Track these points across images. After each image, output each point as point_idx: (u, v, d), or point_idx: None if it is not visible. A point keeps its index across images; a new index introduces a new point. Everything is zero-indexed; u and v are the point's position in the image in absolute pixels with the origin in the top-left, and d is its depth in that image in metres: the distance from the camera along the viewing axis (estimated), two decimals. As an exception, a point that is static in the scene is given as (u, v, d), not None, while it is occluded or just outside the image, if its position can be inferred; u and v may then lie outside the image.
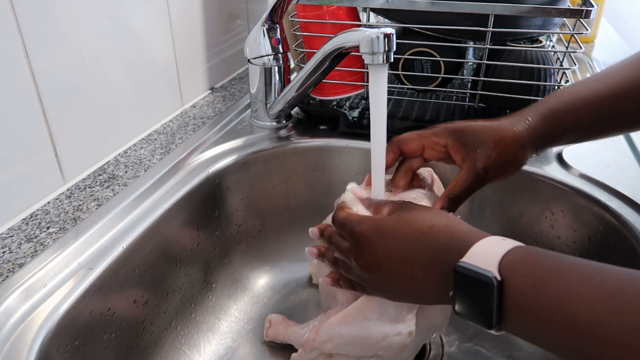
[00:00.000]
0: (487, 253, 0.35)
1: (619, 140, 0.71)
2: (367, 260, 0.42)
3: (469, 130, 0.48)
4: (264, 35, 0.70)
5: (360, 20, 0.74)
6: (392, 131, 0.74)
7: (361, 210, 0.48)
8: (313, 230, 0.51)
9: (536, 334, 0.33)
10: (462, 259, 0.36)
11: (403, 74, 0.72)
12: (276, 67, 0.72)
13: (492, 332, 0.35)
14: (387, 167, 0.51)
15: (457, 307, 0.36)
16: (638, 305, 0.29)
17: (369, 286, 0.45)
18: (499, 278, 0.33)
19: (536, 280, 0.32)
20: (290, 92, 0.69)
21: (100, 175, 0.63)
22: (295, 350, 0.55)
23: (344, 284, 0.48)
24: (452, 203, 0.46)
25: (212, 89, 0.90)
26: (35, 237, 0.52)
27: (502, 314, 0.34)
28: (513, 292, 0.33)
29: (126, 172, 0.64)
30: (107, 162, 0.66)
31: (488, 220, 0.71)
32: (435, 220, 0.40)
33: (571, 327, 0.30)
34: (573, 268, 0.32)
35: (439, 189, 0.56)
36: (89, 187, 0.61)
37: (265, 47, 0.71)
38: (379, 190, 0.49)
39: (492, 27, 0.63)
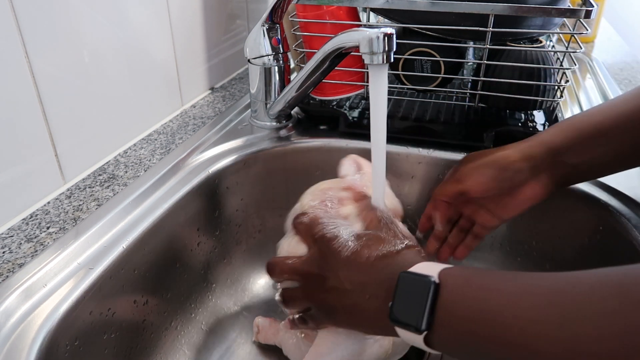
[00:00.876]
0: (430, 266, 0.38)
1: (619, 140, 0.71)
2: (325, 270, 0.43)
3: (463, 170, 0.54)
4: (264, 36, 0.70)
5: (360, 20, 0.74)
6: (392, 131, 0.74)
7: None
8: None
9: (461, 335, 0.34)
10: (408, 269, 0.38)
11: (403, 74, 0.72)
12: (276, 67, 0.72)
13: (421, 344, 0.36)
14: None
15: (393, 311, 0.37)
16: (549, 302, 0.30)
17: (319, 305, 0.45)
18: (437, 281, 0.36)
19: (464, 279, 0.35)
20: (290, 92, 0.69)
21: (100, 175, 0.63)
22: None
23: (299, 323, 0.48)
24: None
25: (212, 89, 0.90)
26: (35, 237, 0.52)
27: (433, 316, 0.35)
28: (445, 291, 0.35)
29: (126, 172, 0.64)
30: (107, 162, 0.66)
31: (488, 220, 0.72)
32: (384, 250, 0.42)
33: (489, 319, 0.32)
34: (500, 272, 0.36)
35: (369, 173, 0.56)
36: (89, 187, 0.61)
37: (265, 47, 0.71)
38: (379, 193, 0.49)
39: (492, 27, 0.63)
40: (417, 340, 0.36)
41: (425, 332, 0.35)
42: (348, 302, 0.41)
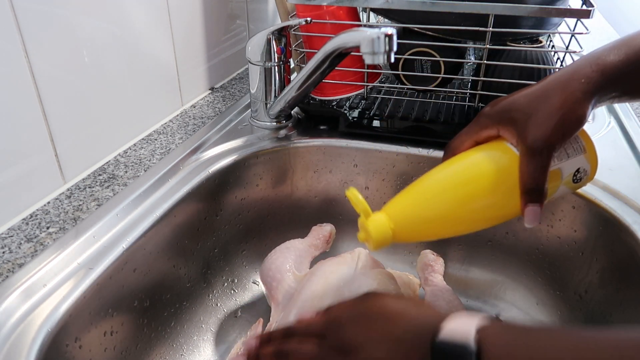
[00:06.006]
0: (463, 324, 0.35)
1: (619, 140, 0.71)
2: (347, 342, 0.38)
3: (514, 107, 0.45)
4: (270, 44, 0.70)
5: (360, 20, 0.74)
6: (392, 131, 0.74)
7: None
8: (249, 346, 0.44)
9: None
10: (439, 335, 0.35)
11: (403, 74, 0.72)
12: (276, 67, 0.72)
13: None
14: None
15: None
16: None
17: None
18: (474, 349, 0.33)
19: (507, 343, 0.33)
20: (290, 92, 0.69)
21: (100, 175, 0.63)
22: None
23: None
24: (534, 195, 0.42)
25: (212, 89, 0.90)
26: (35, 237, 0.52)
27: None
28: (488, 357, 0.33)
29: (126, 172, 0.64)
30: (107, 162, 0.66)
31: (488, 220, 0.71)
32: (402, 304, 0.40)
33: None
34: (545, 330, 0.33)
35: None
36: (89, 187, 0.61)
37: (269, 53, 0.70)
38: None
39: (492, 27, 0.63)
40: None
41: None
42: None
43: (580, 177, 0.47)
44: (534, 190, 0.42)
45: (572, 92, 0.43)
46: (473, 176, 0.45)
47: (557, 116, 0.42)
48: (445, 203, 0.44)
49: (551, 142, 0.42)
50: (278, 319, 0.53)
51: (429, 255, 0.67)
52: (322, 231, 0.68)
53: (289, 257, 0.61)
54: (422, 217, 0.45)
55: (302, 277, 0.58)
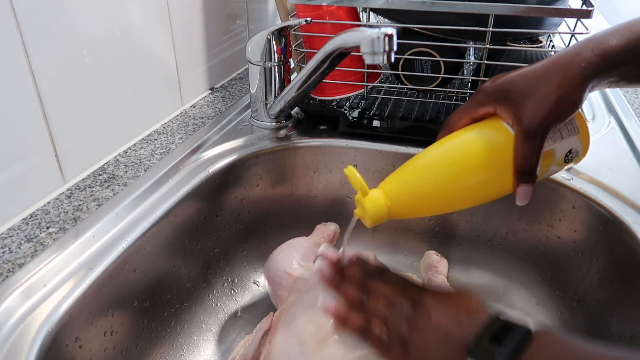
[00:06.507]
0: (521, 318, 0.39)
1: (619, 140, 0.71)
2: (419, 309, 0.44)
3: (512, 86, 0.45)
4: (270, 44, 0.70)
5: (360, 20, 0.74)
6: (392, 131, 0.74)
7: None
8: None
9: None
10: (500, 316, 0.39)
11: (403, 74, 0.72)
12: (276, 67, 0.72)
13: None
14: None
15: (475, 344, 0.38)
16: None
17: (402, 332, 0.43)
18: (531, 329, 0.36)
19: (557, 338, 0.36)
20: (290, 92, 0.69)
21: (100, 175, 0.63)
22: None
23: (379, 332, 0.45)
24: (526, 176, 0.44)
25: (212, 89, 0.90)
26: (35, 237, 0.52)
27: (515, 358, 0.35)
28: (536, 342, 0.36)
29: (126, 172, 0.64)
30: (107, 162, 0.66)
31: (488, 220, 0.72)
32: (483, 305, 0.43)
33: None
34: (590, 342, 0.36)
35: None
36: (89, 187, 0.61)
37: (269, 53, 0.70)
38: None
39: (492, 27, 0.63)
40: None
41: None
42: (430, 339, 0.42)
43: (571, 157, 0.47)
44: (526, 171, 0.43)
45: (571, 75, 0.43)
46: (468, 154, 0.45)
47: (554, 99, 0.43)
48: (440, 180, 0.45)
49: (546, 125, 0.43)
50: (302, 301, 0.52)
51: (432, 256, 0.67)
52: (327, 230, 0.68)
53: (295, 254, 0.61)
54: (417, 193, 0.46)
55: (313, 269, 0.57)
